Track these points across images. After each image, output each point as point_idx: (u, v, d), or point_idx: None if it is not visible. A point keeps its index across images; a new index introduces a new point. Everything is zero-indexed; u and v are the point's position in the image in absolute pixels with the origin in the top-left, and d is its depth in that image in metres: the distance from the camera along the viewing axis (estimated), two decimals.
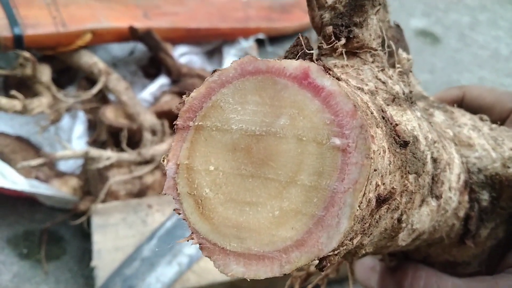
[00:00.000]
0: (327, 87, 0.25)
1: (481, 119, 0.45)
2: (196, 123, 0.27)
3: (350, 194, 0.24)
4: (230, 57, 1.56)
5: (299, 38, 0.33)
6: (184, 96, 0.28)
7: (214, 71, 0.27)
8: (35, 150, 1.22)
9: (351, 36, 0.34)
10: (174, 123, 0.28)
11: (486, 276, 0.39)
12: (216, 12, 1.52)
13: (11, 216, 1.14)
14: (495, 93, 0.47)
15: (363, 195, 0.24)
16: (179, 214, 0.27)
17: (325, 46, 0.35)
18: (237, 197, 0.26)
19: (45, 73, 1.21)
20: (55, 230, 1.12)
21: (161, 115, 1.27)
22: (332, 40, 0.34)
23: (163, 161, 0.28)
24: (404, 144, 0.29)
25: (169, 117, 1.28)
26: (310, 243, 0.24)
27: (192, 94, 0.27)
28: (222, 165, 0.27)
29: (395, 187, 0.28)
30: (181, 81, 1.40)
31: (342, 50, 0.34)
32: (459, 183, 0.39)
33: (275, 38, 1.73)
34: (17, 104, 1.08)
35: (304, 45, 0.33)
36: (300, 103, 0.25)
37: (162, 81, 1.42)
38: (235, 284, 0.93)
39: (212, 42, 1.59)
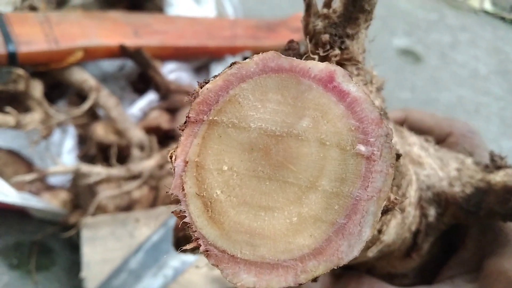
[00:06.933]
0: (353, 93, 0.24)
1: (426, 140, 0.47)
2: (210, 118, 0.25)
3: (373, 202, 0.23)
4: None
5: (291, 42, 0.33)
6: (197, 87, 0.26)
7: (233, 63, 0.25)
8: (26, 163, 1.25)
9: (343, 47, 0.34)
10: (186, 116, 0.25)
11: (425, 286, 0.42)
12: (204, 31, 1.57)
13: (1, 227, 1.17)
14: (434, 118, 0.50)
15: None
16: (184, 217, 0.25)
17: (321, 53, 0.34)
18: (252, 201, 0.25)
19: (37, 89, 1.25)
20: (45, 242, 1.15)
21: (149, 130, 1.31)
22: (327, 48, 0.34)
23: (170, 157, 0.25)
24: (397, 157, 0.29)
25: (157, 132, 1.33)
26: (329, 252, 0.24)
27: (208, 85, 0.25)
28: (237, 165, 0.25)
29: (397, 198, 0.28)
30: (169, 97, 1.45)
31: (335, 60, 0.34)
32: (415, 198, 0.41)
33: None
34: (10, 120, 1.12)
35: (296, 50, 0.33)
36: (324, 106, 0.24)
37: (151, 97, 1.47)
38: None
39: (200, 59, 1.64)
